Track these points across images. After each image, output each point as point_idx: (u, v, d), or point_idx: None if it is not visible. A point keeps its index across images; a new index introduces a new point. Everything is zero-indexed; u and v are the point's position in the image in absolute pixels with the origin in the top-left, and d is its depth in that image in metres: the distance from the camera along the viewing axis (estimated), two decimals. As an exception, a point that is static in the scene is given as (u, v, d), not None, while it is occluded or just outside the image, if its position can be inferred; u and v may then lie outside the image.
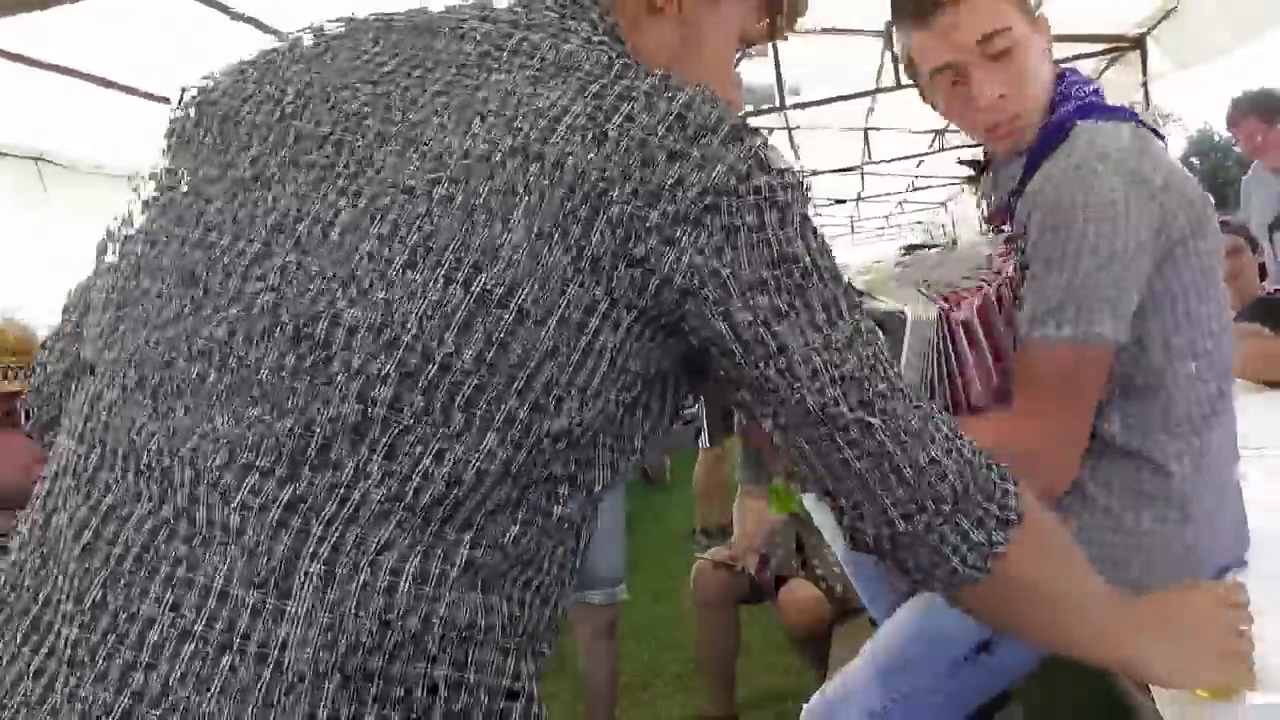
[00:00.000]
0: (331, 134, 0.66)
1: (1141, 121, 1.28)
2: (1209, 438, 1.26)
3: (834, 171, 9.77)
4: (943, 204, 13.63)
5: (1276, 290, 3.17)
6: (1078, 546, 0.87)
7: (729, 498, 4.80)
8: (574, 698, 2.71)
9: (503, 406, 0.60)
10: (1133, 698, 1.21)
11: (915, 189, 11.72)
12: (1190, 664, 0.91)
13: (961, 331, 1.21)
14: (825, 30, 5.33)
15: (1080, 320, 1.14)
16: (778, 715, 2.95)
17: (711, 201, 0.62)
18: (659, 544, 4.97)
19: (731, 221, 0.63)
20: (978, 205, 1.46)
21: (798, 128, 8.26)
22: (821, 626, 2.46)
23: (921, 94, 1.36)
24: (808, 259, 0.66)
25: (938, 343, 1.21)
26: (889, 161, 9.29)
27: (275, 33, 3.28)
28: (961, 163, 1.54)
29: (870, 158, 8.96)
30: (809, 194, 0.69)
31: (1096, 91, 1.32)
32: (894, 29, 1.34)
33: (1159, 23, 4.57)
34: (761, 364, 0.65)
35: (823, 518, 1.84)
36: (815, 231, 0.68)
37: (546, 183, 0.60)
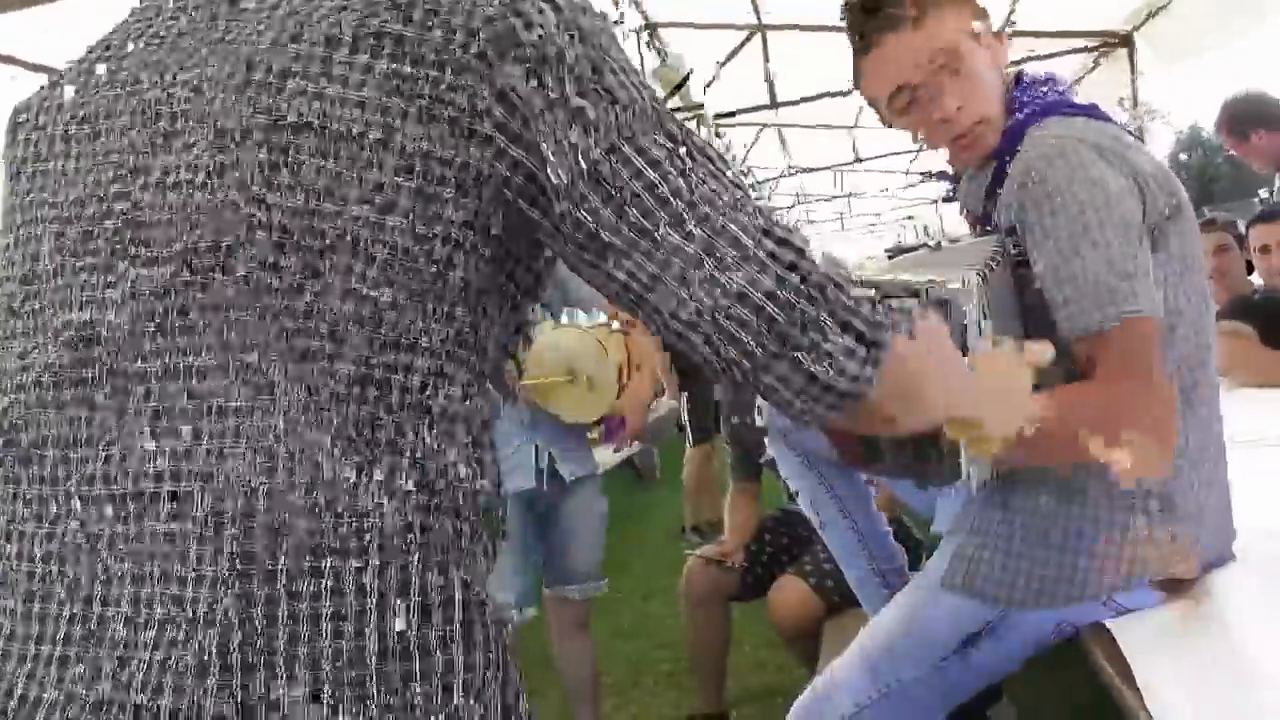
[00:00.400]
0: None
1: (1106, 117, 1.29)
2: (1190, 428, 1.26)
3: (823, 169, 9.79)
4: (934, 202, 13.66)
5: (1258, 291, 3.15)
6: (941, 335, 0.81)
7: (718, 495, 4.85)
8: (563, 697, 2.70)
9: None
10: (1123, 697, 1.21)
11: (906, 186, 11.75)
12: (1004, 415, 0.93)
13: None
14: (813, 28, 5.35)
15: (1121, 300, 1.14)
16: (768, 712, 2.95)
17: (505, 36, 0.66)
18: (649, 542, 4.97)
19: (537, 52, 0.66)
20: (960, 213, 1.47)
21: (788, 125, 8.30)
22: (811, 623, 2.46)
23: (887, 122, 1.36)
24: (612, 77, 0.68)
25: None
26: (879, 158, 9.31)
27: None
28: (937, 174, 1.56)
29: (859, 156, 8.98)
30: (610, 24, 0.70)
31: (1058, 91, 1.33)
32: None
33: (1147, 19, 4.58)
34: (584, 190, 0.66)
35: (812, 513, 1.84)
36: (619, 55, 0.69)
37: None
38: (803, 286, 0.68)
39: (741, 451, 2.93)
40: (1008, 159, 1.27)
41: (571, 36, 0.67)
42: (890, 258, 1.44)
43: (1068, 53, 5.18)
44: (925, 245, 1.41)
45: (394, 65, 0.65)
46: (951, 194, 1.47)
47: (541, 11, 0.67)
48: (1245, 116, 3.61)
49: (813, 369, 0.69)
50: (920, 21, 1.25)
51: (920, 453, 1.12)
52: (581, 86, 0.66)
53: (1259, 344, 2.82)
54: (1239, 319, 2.89)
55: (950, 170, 1.46)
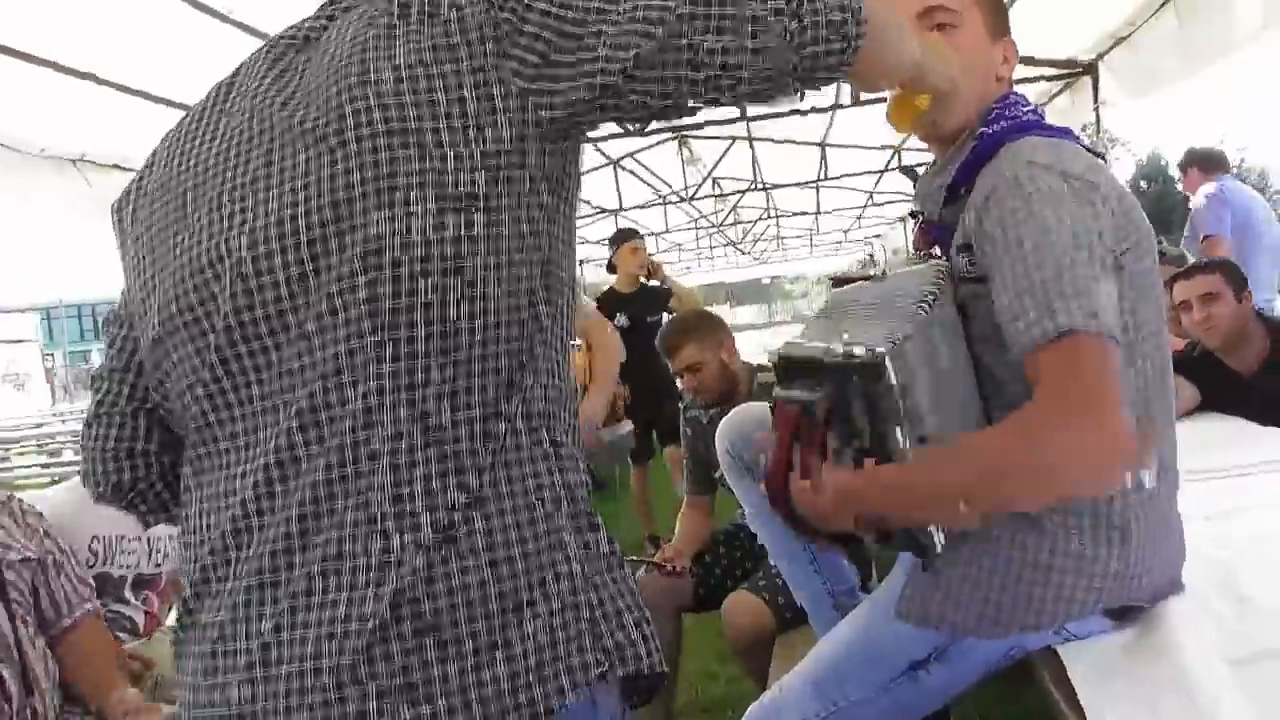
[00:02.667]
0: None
1: (1078, 140, 1.29)
2: (1151, 457, 1.26)
3: (793, 185, 9.85)
4: (900, 219, 13.80)
5: (1191, 344, 3.17)
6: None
7: (655, 511, 4.89)
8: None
9: None
10: (1068, 718, 1.21)
11: (873, 204, 11.85)
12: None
13: None
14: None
15: (1075, 313, 1.09)
16: (718, 725, 2.94)
17: None
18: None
19: None
20: (913, 209, 1.47)
21: (760, 139, 8.34)
22: (763, 638, 2.45)
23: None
24: None
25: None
26: (848, 176, 9.38)
27: (258, 34, 3.32)
28: (902, 169, 1.57)
29: (828, 173, 9.04)
30: None
31: (1036, 114, 1.33)
32: None
33: (1110, 49, 4.66)
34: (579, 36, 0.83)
35: (764, 531, 1.83)
36: None
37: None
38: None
39: (696, 465, 2.94)
40: (973, 169, 1.28)
41: None
42: (834, 286, 1.44)
43: (1034, 79, 5.25)
44: (870, 276, 1.40)
45: None
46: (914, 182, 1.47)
47: None
48: (1192, 157, 4.72)
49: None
50: None
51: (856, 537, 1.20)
52: None
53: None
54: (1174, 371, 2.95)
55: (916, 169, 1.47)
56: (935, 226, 1.38)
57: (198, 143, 0.92)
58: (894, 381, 1.16)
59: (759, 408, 1.81)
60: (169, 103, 3.85)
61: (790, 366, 1.27)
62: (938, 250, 1.39)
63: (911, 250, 1.48)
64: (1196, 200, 4.66)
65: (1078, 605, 1.26)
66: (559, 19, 0.84)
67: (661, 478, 5.13)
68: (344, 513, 0.79)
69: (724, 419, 1.87)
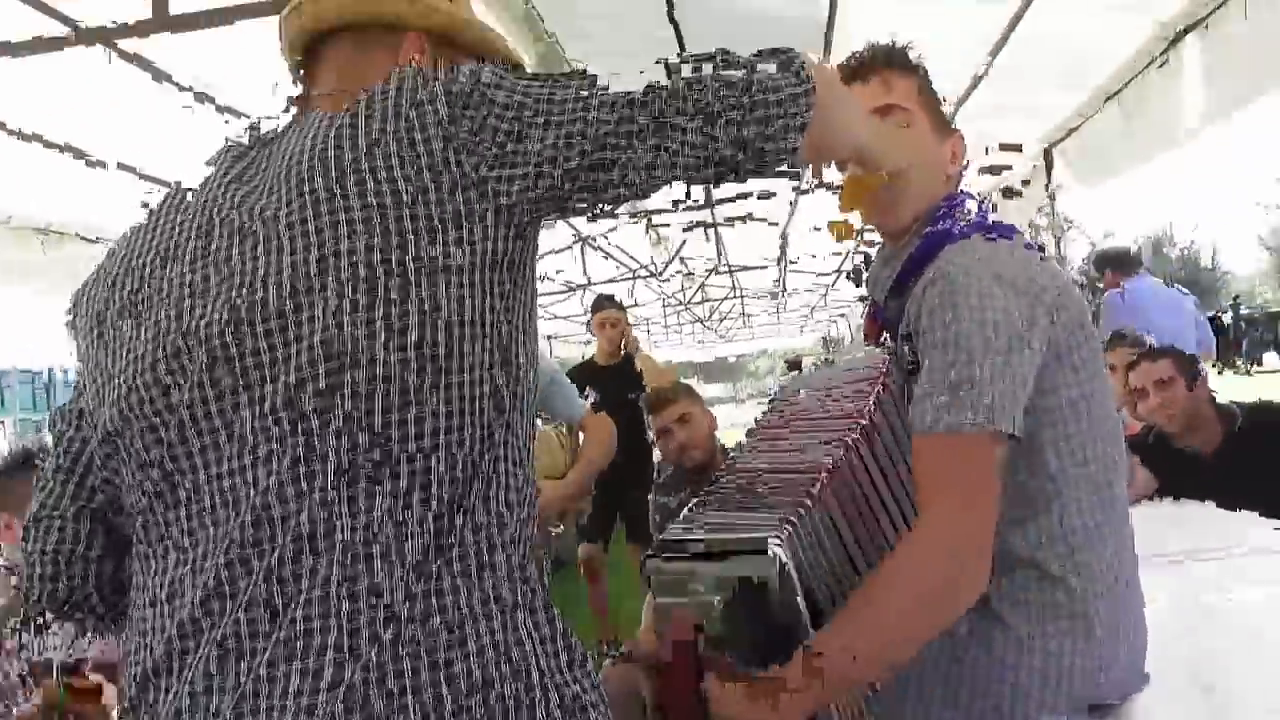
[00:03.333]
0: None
1: (1026, 241, 1.33)
2: (1105, 546, 1.27)
3: (757, 268, 9.99)
4: (861, 299, 14.01)
5: (1152, 429, 3.23)
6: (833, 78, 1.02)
7: (620, 608, 4.69)
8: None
9: None
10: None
11: (835, 288, 12.03)
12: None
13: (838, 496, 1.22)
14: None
15: (978, 410, 1.14)
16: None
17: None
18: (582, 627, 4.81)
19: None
20: (863, 296, 1.51)
21: (723, 222, 8.46)
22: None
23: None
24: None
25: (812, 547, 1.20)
26: (810, 259, 9.54)
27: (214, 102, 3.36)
28: (847, 275, 1.63)
29: (791, 255, 9.19)
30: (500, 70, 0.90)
31: (982, 214, 1.37)
32: None
33: (1063, 139, 4.82)
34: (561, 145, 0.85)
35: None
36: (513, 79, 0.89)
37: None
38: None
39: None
40: (920, 264, 1.31)
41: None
42: (788, 369, 1.49)
43: (990, 168, 5.42)
44: (824, 359, 1.44)
45: None
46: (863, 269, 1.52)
47: None
48: (1104, 260, 5.12)
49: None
50: (923, 74, 1.38)
51: None
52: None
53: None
54: (1131, 454, 3.00)
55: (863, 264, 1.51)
56: (882, 314, 1.42)
57: (154, 240, 0.92)
58: (795, 583, 1.14)
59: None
60: (135, 172, 3.84)
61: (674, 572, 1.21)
62: (886, 337, 1.42)
63: (863, 337, 1.51)
64: (1106, 300, 4.93)
65: (1049, 700, 1.25)
66: (518, 110, 0.86)
67: (627, 575, 4.85)
68: (296, 610, 0.77)
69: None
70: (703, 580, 1.17)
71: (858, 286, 1.83)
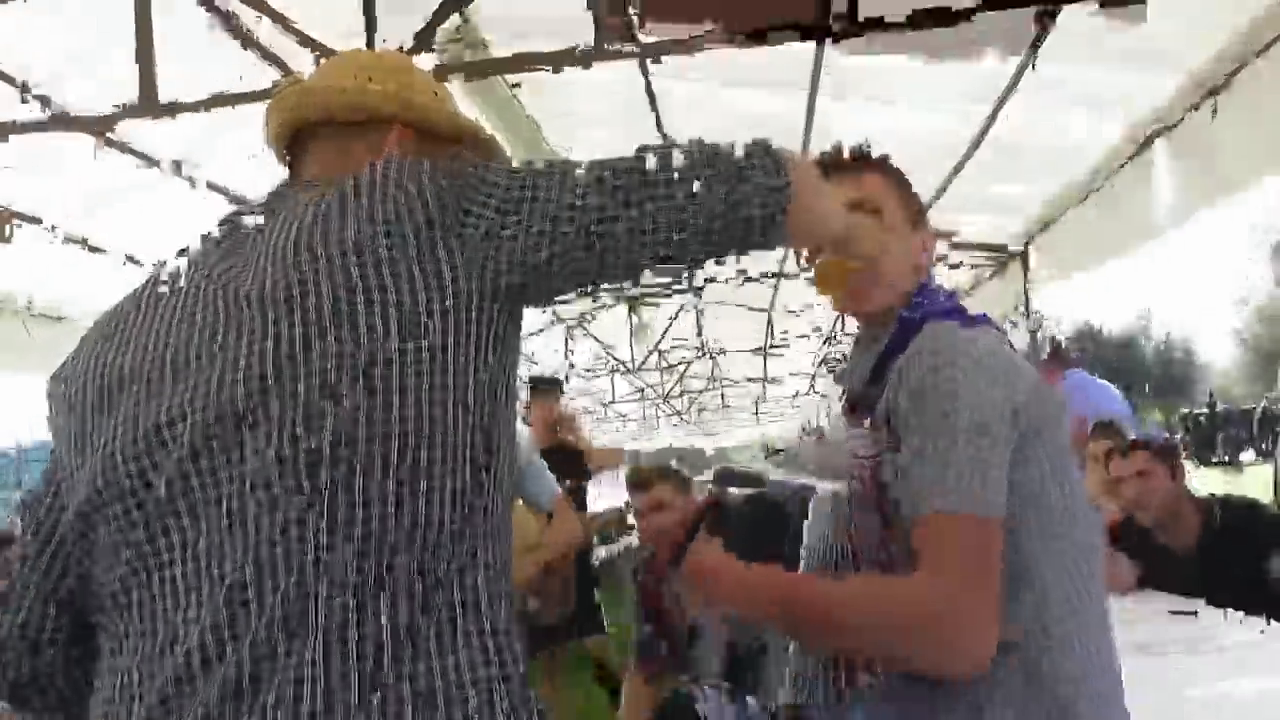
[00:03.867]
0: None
1: (997, 327, 1.37)
2: (1082, 629, 1.25)
3: (739, 351, 10.04)
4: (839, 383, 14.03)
5: (1127, 519, 3.22)
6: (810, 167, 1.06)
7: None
8: None
9: None
10: None
11: (820, 375, 12.10)
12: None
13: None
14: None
15: (957, 495, 1.15)
16: None
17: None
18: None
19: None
20: (840, 390, 1.53)
21: (709, 304, 8.54)
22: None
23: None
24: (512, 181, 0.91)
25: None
26: (794, 340, 9.59)
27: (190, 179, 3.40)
28: (825, 363, 1.69)
29: (774, 339, 9.25)
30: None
31: (954, 300, 1.42)
32: None
33: (1038, 234, 4.92)
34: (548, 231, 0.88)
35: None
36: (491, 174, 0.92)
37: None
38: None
39: (644, 636, 2.87)
40: (895, 351, 1.33)
41: None
42: (767, 456, 1.51)
43: (966, 261, 5.52)
44: (803, 436, 1.46)
45: None
46: (839, 364, 1.54)
47: None
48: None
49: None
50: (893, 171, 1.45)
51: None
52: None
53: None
54: (1111, 545, 3.00)
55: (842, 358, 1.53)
56: (861, 401, 1.42)
57: (137, 319, 0.92)
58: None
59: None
60: (125, 258, 3.85)
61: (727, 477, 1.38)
62: (867, 424, 1.42)
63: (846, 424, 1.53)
64: None
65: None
66: (504, 194, 0.88)
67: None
68: (270, 693, 0.75)
69: None
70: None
71: (836, 382, 1.84)
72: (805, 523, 1.35)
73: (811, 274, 1.42)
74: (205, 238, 0.98)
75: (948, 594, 1.13)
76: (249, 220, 0.97)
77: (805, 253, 1.42)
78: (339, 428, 0.79)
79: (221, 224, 0.98)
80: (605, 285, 0.93)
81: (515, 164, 0.94)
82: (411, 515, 0.80)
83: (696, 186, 0.89)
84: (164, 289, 0.93)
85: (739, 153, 0.93)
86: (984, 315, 1.41)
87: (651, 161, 0.90)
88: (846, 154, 1.44)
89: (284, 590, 0.77)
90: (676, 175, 0.89)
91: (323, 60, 2.53)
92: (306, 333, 0.81)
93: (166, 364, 0.86)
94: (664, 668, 2.84)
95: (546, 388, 4.97)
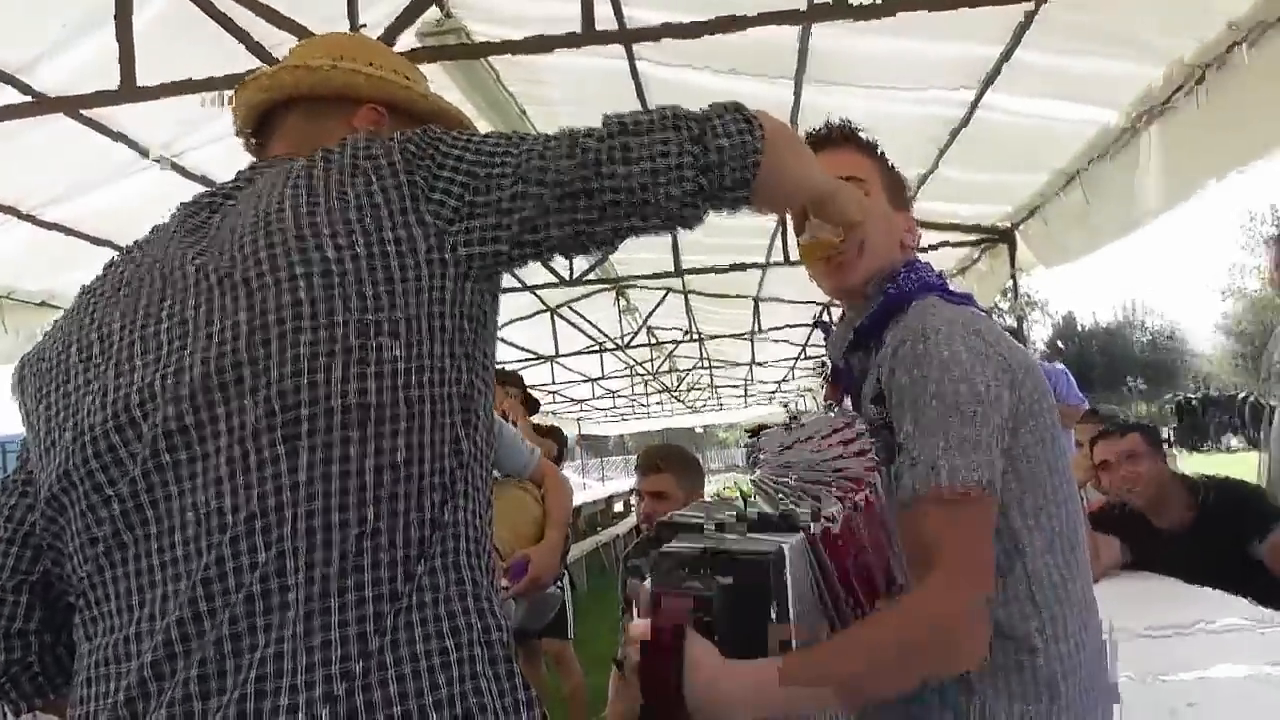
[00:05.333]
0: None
1: (980, 308, 1.35)
2: (1069, 608, 1.26)
3: (727, 337, 10.06)
4: (821, 366, 14.09)
5: (1115, 504, 3.24)
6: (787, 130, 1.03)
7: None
8: None
9: None
10: None
11: (806, 357, 12.13)
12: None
13: (836, 545, 1.20)
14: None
15: (963, 469, 1.14)
16: None
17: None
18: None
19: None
20: (820, 376, 1.52)
21: (694, 292, 8.55)
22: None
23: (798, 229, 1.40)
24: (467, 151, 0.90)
25: (814, 566, 1.19)
26: (777, 330, 9.62)
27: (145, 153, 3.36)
28: (817, 324, 1.63)
29: (761, 326, 9.27)
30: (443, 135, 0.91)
31: (941, 280, 1.40)
32: None
33: (1025, 220, 4.93)
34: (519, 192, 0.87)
35: None
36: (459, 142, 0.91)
37: None
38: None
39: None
40: (880, 325, 1.32)
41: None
42: (750, 436, 1.46)
43: (954, 244, 5.52)
44: (784, 424, 1.42)
45: None
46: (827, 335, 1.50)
47: None
48: None
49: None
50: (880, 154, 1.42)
51: None
52: None
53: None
54: (1098, 528, 3.01)
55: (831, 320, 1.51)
56: (844, 375, 1.41)
57: (103, 302, 0.91)
58: (786, 578, 1.12)
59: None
60: (97, 241, 3.82)
61: (675, 561, 1.18)
62: (848, 402, 1.41)
63: (823, 403, 1.51)
64: None
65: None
66: (473, 163, 0.87)
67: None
68: (250, 670, 0.75)
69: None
70: (701, 565, 1.15)
71: (825, 336, 1.80)
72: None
73: (799, 245, 1.40)
74: (173, 218, 0.97)
75: (950, 597, 1.12)
76: (217, 200, 0.95)
77: (793, 223, 1.38)
78: (314, 402, 0.78)
79: (187, 205, 0.97)
80: (578, 253, 0.93)
81: (487, 134, 0.93)
82: (391, 487, 0.79)
83: (667, 149, 0.88)
84: (131, 271, 0.92)
85: (709, 113, 0.92)
86: (968, 295, 1.40)
87: (620, 127, 0.89)
88: (829, 130, 1.42)
89: (263, 565, 0.76)
90: (646, 139, 0.88)
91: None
92: (279, 309, 0.80)
93: (136, 345, 0.85)
94: None
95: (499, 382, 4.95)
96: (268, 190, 0.89)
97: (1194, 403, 5.11)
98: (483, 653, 0.82)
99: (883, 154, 1.43)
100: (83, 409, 0.85)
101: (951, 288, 1.39)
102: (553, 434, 5.23)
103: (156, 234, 0.95)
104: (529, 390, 4.94)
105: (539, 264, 5.90)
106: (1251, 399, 4.03)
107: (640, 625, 1.14)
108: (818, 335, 10.24)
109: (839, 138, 1.41)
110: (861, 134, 1.43)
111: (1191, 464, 4.74)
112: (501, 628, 0.85)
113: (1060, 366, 5.46)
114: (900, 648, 1.12)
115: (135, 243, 0.96)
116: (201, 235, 0.91)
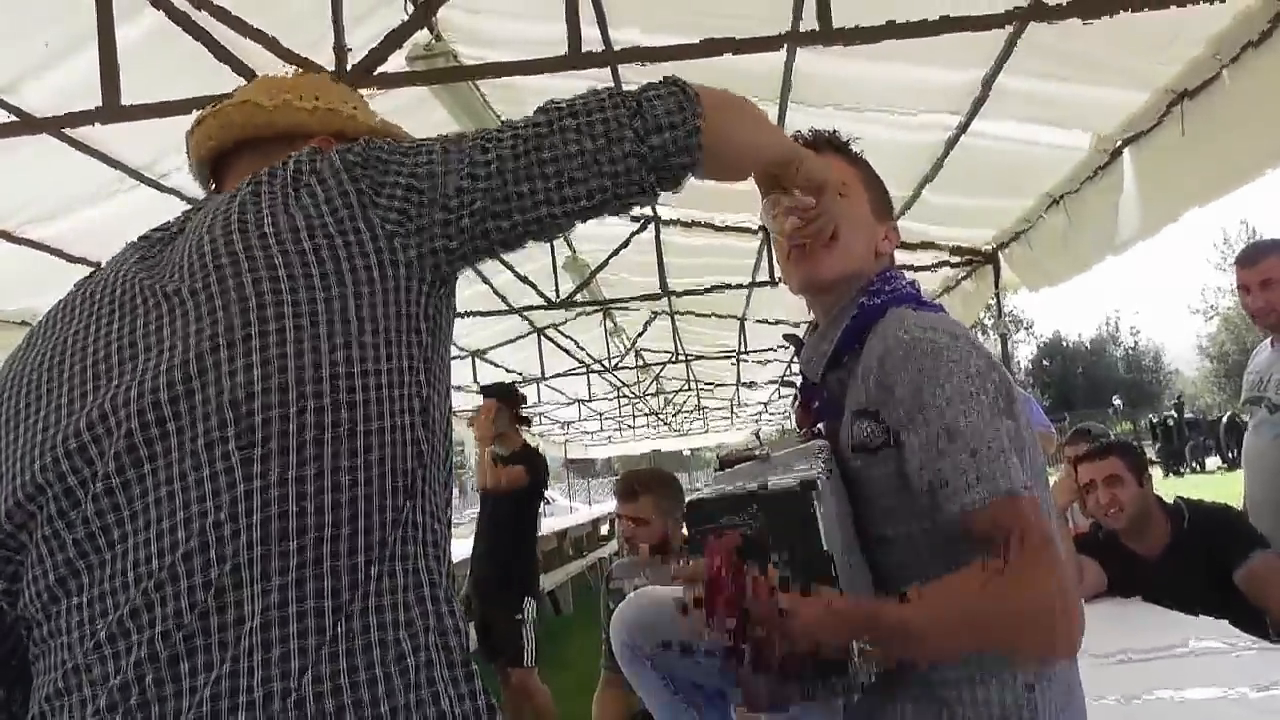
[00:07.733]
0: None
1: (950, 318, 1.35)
2: None
3: (713, 358, 10.07)
4: (788, 391, 14.09)
5: (1095, 526, 3.24)
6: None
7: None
8: None
9: None
10: None
11: (791, 374, 12.14)
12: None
13: None
14: (707, 225, 5.62)
15: (1011, 471, 1.13)
16: None
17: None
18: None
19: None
20: (789, 384, 1.50)
21: (681, 313, 8.56)
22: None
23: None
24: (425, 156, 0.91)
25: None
26: (767, 350, 9.63)
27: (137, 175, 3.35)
28: (786, 337, 1.59)
29: (747, 347, 9.27)
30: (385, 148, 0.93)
31: (914, 288, 1.38)
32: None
33: (1009, 243, 4.96)
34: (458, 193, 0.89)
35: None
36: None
37: None
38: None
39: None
40: (856, 335, 1.31)
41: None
42: (719, 469, 1.43)
43: (938, 265, 5.55)
44: (755, 456, 1.38)
45: None
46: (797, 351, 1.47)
47: None
48: None
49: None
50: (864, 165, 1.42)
51: (824, 668, 1.11)
52: None
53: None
54: (1080, 552, 3.02)
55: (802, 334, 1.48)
56: (819, 396, 1.38)
57: (58, 327, 0.92)
58: (818, 510, 1.16)
59: (656, 592, 1.77)
60: (82, 261, 3.80)
61: (710, 508, 1.26)
62: (821, 428, 1.39)
63: (796, 427, 1.47)
64: None
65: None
66: (414, 165, 0.89)
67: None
68: (205, 687, 0.74)
69: (617, 610, 1.80)
70: (740, 509, 1.21)
71: (796, 352, 1.75)
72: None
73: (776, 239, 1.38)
74: (131, 245, 0.98)
75: (1054, 582, 1.11)
76: (168, 235, 0.96)
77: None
78: (267, 409, 0.79)
79: (139, 239, 0.98)
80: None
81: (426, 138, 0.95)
82: (350, 490, 0.80)
83: (606, 126, 0.91)
84: (89, 292, 0.93)
85: (644, 88, 0.95)
86: (939, 305, 1.39)
87: (559, 112, 0.92)
88: (815, 137, 1.40)
89: (217, 580, 0.76)
90: (585, 120, 0.90)
91: (290, 68, 2.50)
92: (230, 322, 0.81)
93: (93, 362, 0.86)
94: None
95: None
96: (215, 210, 0.91)
97: (1170, 424, 5.13)
98: (440, 657, 0.82)
99: (868, 165, 1.43)
100: (42, 427, 0.85)
101: (922, 295, 1.38)
102: (525, 459, 4.62)
103: (110, 266, 0.96)
104: (518, 408, 4.79)
105: (523, 284, 5.95)
106: (1225, 419, 4.05)
107: (696, 564, 1.15)
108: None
109: (823, 144, 1.40)
110: (850, 145, 1.43)
111: (1167, 487, 4.74)
112: (459, 630, 0.85)
113: (1025, 394, 5.49)
114: (1009, 622, 1.12)
115: (87, 275, 0.98)
116: (152, 261, 0.92)
